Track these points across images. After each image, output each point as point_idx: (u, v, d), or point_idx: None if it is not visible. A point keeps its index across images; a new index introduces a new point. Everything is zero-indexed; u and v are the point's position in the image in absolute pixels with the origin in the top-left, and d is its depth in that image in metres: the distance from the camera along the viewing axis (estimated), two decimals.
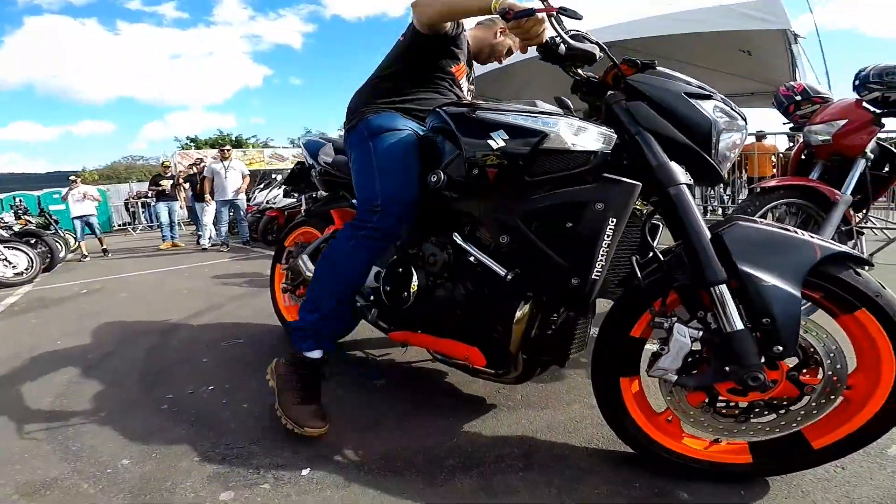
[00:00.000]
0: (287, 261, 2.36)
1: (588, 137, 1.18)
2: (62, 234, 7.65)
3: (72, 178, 7.80)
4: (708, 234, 1.06)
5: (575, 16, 1.20)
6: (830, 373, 1.02)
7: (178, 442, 1.46)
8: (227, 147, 7.33)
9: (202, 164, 7.63)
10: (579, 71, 1.34)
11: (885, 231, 3.39)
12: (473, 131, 1.27)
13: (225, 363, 2.15)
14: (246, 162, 10.92)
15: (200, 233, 7.53)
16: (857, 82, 2.65)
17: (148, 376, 2.04)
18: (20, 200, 9.02)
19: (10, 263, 5.28)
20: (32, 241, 6.17)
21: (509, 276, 1.24)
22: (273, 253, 2.59)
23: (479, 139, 1.25)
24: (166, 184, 7.79)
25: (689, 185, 1.14)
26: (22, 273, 5.31)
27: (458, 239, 1.36)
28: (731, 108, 1.21)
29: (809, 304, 1.08)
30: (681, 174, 1.13)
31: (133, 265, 6.08)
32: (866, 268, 1.04)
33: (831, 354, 1.02)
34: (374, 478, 1.24)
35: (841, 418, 1.06)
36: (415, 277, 1.47)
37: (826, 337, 1.03)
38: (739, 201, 7.51)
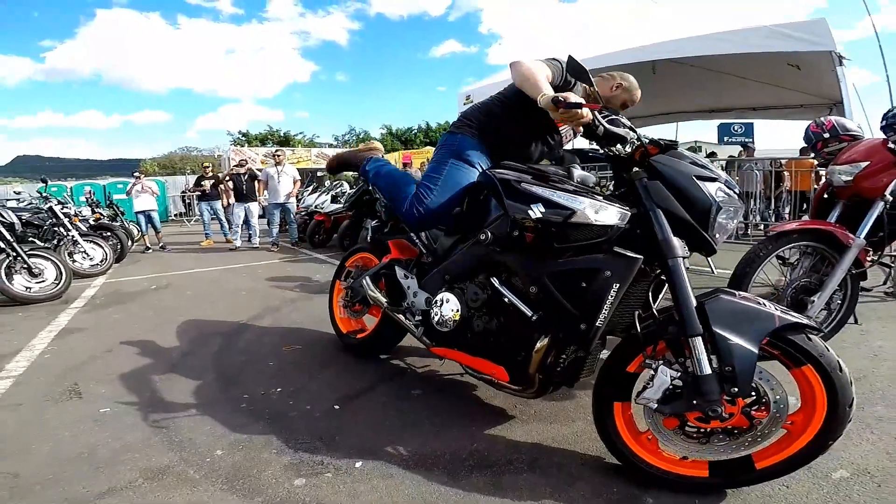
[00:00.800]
0: (346, 279, 2.74)
1: (608, 215, 1.47)
2: (127, 226, 8.47)
3: (136, 174, 8.60)
4: (693, 300, 1.34)
5: (612, 112, 1.52)
6: (775, 411, 1.31)
7: (258, 436, 1.85)
8: (281, 152, 7.93)
9: (246, 166, 8.17)
10: (613, 148, 1.62)
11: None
12: (518, 199, 1.58)
13: (287, 367, 2.55)
14: (294, 160, 11.60)
15: (226, 233, 8.25)
16: (883, 122, 2.77)
17: (223, 376, 2.46)
18: (91, 192, 9.95)
19: (89, 256, 5.97)
20: (106, 234, 6.91)
21: (534, 318, 1.56)
22: (316, 254, 2.98)
23: (523, 206, 1.56)
24: (207, 184, 8.46)
25: (685, 256, 1.42)
26: (98, 265, 5.98)
27: (496, 283, 1.69)
28: (732, 190, 1.48)
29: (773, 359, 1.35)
30: (679, 248, 1.40)
31: (192, 261, 6.72)
32: (817, 333, 1.30)
33: (777, 398, 1.31)
34: (410, 471, 1.58)
35: (780, 446, 1.35)
36: (459, 307, 1.81)
37: (775, 384, 1.31)
38: (784, 213, 7.44)
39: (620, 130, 1.56)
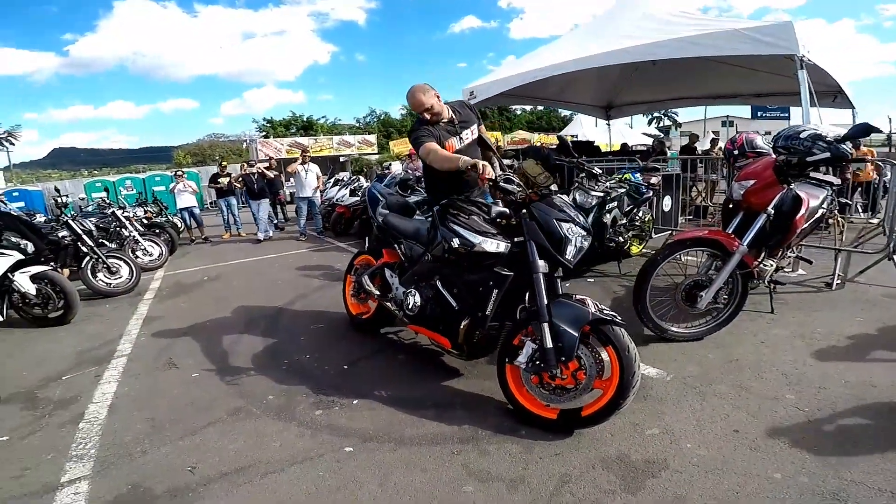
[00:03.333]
0: (355, 274, 3.82)
1: (494, 246, 2.47)
2: (172, 220, 9.89)
3: (178, 173, 9.98)
4: (545, 300, 2.29)
5: (498, 180, 2.44)
6: (589, 375, 2.24)
7: (294, 386, 2.97)
8: (307, 151, 9.15)
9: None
10: (511, 196, 2.53)
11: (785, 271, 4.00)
12: (448, 232, 2.60)
13: (313, 340, 3.70)
14: (317, 149, 12.93)
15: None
16: (774, 143, 3.49)
17: (270, 348, 3.62)
18: (141, 196, 11.49)
19: (148, 252, 7.31)
20: (157, 231, 8.27)
21: (457, 307, 2.60)
22: (338, 243, 4.06)
23: (449, 237, 2.57)
24: (224, 181, 9.78)
25: (544, 273, 2.36)
26: (156, 259, 7.32)
27: (438, 284, 2.73)
28: (580, 226, 2.42)
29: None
30: (541, 266, 2.35)
31: (233, 253, 8.03)
32: (620, 325, 2.20)
33: (591, 366, 2.24)
34: (387, 406, 2.66)
35: (595, 402, 2.25)
36: (420, 299, 2.86)
37: (589, 358, 2.24)
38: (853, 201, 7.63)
39: (510, 187, 2.49)
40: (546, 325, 2.25)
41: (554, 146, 5.49)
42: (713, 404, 2.50)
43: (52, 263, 5.16)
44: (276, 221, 9.66)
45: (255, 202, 8.97)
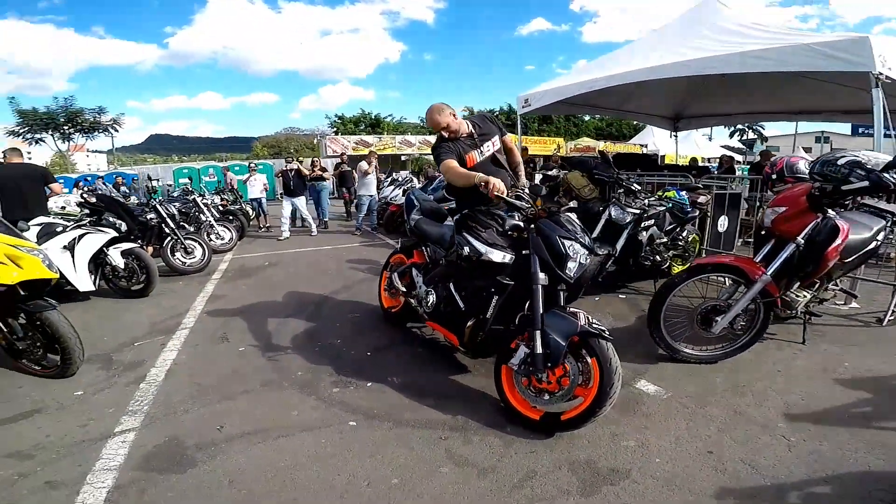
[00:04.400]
0: (389, 271, 4.18)
1: (499, 257, 2.72)
2: (245, 208, 10.86)
3: (252, 165, 10.94)
4: (541, 310, 2.51)
5: (507, 196, 2.68)
6: (573, 383, 2.44)
7: (321, 366, 3.38)
8: (375, 152, 9.82)
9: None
10: (523, 211, 2.76)
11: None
12: (461, 240, 2.89)
13: (347, 328, 4.13)
14: (380, 148, 13.72)
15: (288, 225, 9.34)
16: (811, 169, 3.39)
17: (309, 331, 4.08)
18: (212, 174, 12.74)
19: (221, 237, 8.15)
20: (230, 218, 9.17)
21: (464, 308, 2.88)
22: (388, 239, 4.46)
23: (462, 244, 2.86)
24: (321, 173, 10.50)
25: (544, 285, 2.57)
26: (227, 243, 8.16)
27: (451, 287, 3.03)
28: (582, 244, 2.61)
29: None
30: (541, 278, 2.57)
31: (293, 243, 8.75)
32: (606, 339, 2.39)
33: (575, 374, 2.44)
34: (396, 390, 2.99)
35: (574, 408, 2.44)
36: (434, 298, 3.18)
37: (574, 367, 2.44)
38: None
39: (519, 203, 2.73)
40: (538, 333, 2.48)
41: (594, 160, 5.55)
42: (699, 425, 2.60)
43: (138, 241, 5.98)
44: (325, 219, 10.28)
45: (288, 199, 9.36)
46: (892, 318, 4.13)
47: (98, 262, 5.18)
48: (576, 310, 2.57)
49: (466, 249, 2.83)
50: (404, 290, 3.68)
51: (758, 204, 7.01)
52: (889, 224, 3.48)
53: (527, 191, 2.91)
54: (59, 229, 5.24)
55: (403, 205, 8.57)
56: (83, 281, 4.89)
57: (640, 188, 4.81)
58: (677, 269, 5.27)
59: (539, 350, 2.46)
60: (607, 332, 2.43)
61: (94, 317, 4.67)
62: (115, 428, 2.63)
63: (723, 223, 5.93)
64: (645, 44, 7.56)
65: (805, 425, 2.58)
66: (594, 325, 2.45)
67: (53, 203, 7.13)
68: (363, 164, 9.33)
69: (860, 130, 12.06)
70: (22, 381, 3.19)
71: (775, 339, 3.74)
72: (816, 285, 3.48)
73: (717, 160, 11.11)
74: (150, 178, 10.66)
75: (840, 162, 3.22)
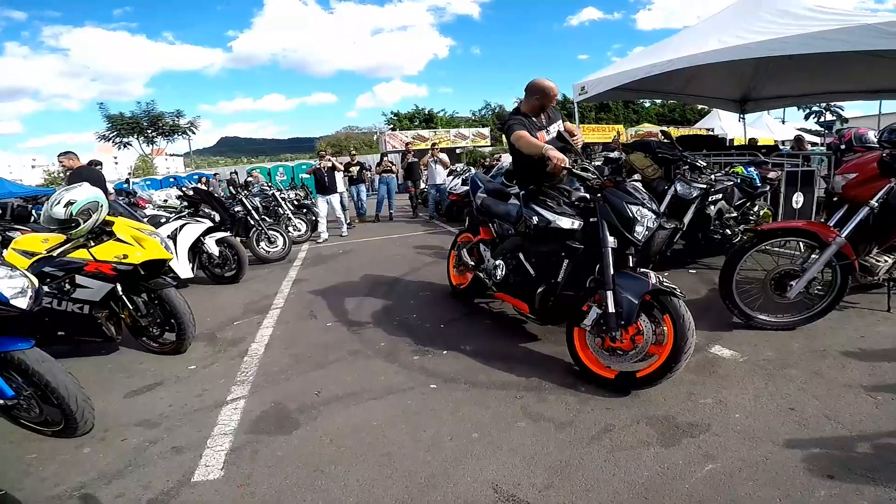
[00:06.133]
0: (457, 250, 4.34)
1: (569, 223, 2.77)
2: (315, 202, 11.31)
3: (323, 155, 11.16)
4: (611, 271, 2.55)
5: (573, 168, 2.74)
6: (646, 340, 2.46)
7: (400, 337, 3.56)
8: (437, 145, 9.91)
9: (326, 158, 9.16)
10: (586, 182, 2.82)
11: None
12: (530, 211, 2.98)
13: (421, 304, 4.31)
14: (436, 141, 13.96)
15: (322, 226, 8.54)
16: (882, 136, 3.24)
17: (386, 307, 4.30)
18: (282, 172, 13.33)
19: (297, 228, 8.61)
20: (305, 211, 9.63)
21: (535, 275, 2.96)
22: (449, 227, 4.60)
23: (530, 215, 2.94)
24: (354, 170, 10.51)
25: (613, 248, 2.61)
26: (303, 234, 8.61)
27: (521, 256, 3.12)
28: (649, 209, 2.62)
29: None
30: (610, 241, 2.61)
31: (362, 233, 9.10)
32: (679, 296, 2.40)
33: (648, 332, 2.45)
34: (469, 357, 3.12)
35: (649, 365, 2.45)
36: (504, 269, 3.28)
37: (648, 325, 2.46)
38: None
39: (585, 174, 2.76)
40: (610, 293, 2.52)
41: (655, 140, 5.41)
42: (778, 384, 2.55)
43: (230, 231, 6.45)
44: (392, 210, 10.32)
45: (323, 197, 8.58)
46: None
47: (196, 250, 5.62)
48: (646, 270, 2.58)
49: (535, 219, 2.90)
50: (473, 264, 3.80)
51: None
52: None
53: (592, 164, 2.93)
54: (163, 220, 5.75)
55: (468, 189, 8.76)
56: (184, 268, 5.32)
57: (705, 164, 4.66)
58: None
59: (612, 309, 2.49)
60: (678, 291, 2.43)
61: (194, 301, 5.01)
62: (227, 397, 2.83)
63: (797, 200, 5.63)
64: (705, 28, 7.23)
65: (892, 386, 2.46)
66: (665, 284, 2.45)
67: (157, 197, 7.82)
68: (426, 158, 9.53)
69: None
70: (143, 358, 3.53)
71: (857, 307, 3.53)
72: None
73: (792, 141, 10.40)
74: (236, 174, 11.26)
75: None
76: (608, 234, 2.62)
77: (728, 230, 4.68)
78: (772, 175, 4.91)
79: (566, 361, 2.89)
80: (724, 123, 17.82)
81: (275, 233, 7.06)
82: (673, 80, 7.45)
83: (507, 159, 9.74)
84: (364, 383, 2.89)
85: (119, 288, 3.30)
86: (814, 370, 2.67)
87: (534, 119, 3.24)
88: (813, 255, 3.18)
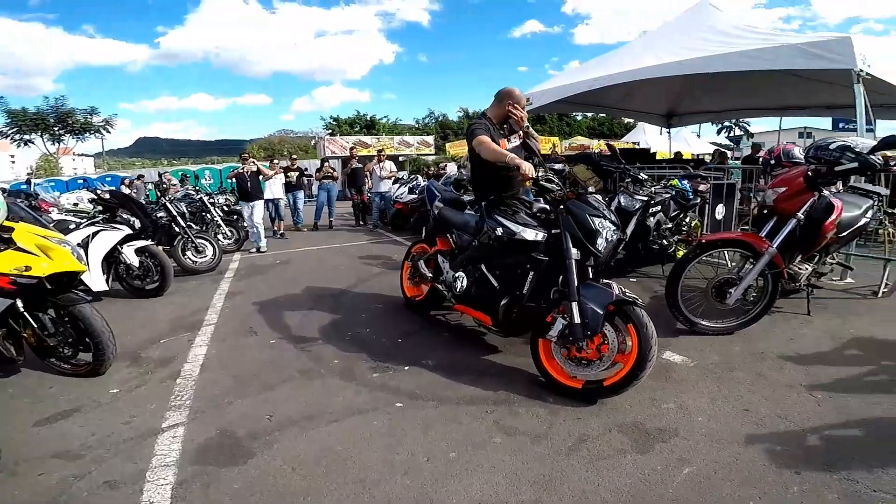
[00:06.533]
0: (411, 260, 4.23)
1: (533, 235, 2.78)
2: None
3: (275, 162, 10.31)
4: (575, 282, 2.58)
5: (539, 179, 2.75)
6: (611, 349, 2.51)
7: (355, 353, 3.39)
8: (384, 152, 9.69)
9: (249, 160, 8.27)
10: (550, 194, 2.84)
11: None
12: (493, 223, 2.94)
13: (373, 317, 4.14)
14: (378, 148, 13.70)
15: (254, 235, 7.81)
16: (808, 153, 3.60)
17: (335, 321, 4.09)
18: (209, 176, 12.50)
19: (228, 236, 8.05)
20: (234, 218, 9.03)
21: (498, 287, 2.93)
22: (395, 237, 4.49)
23: (494, 227, 2.91)
24: (293, 175, 9.97)
25: (576, 260, 2.64)
26: (234, 243, 8.05)
27: (483, 268, 3.07)
28: (610, 221, 2.68)
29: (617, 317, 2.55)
30: (573, 253, 2.64)
31: (299, 242, 8.70)
32: (640, 306, 2.48)
33: (613, 341, 2.52)
34: (432, 371, 3.02)
35: (616, 374, 2.50)
36: (465, 280, 3.21)
37: (612, 335, 2.51)
38: None
39: (550, 186, 2.80)
40: (575, 304, 2.54)
41: (596, 153, 5.67)
42: (729, 387, 2.70)
43: (153, 239, 5.86)
44: (332, 219, 9.94)
45: (248, 204, 7.79)
46: (885, 290, 4.31)
47: (111, 260, 5.05)
48: (609, 281, 2.63)
49: (500, 230, 2.88)
50: (431, 276, 3.72)
51: (751, 194, 7.19)
52: (875, 203, 3.67)
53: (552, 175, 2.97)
54: (71, 226, 5.12)
55: (417, 198, 8.65)
56: (97, 280, 4.74)
57: (646, 178, 4.92)
58: (682, 253, 5.38)
59: (577, 320, 2.52)
60: (640, 300, 2.50)
61: (111, 316, 4.51)
62: (162, 424, 2.55)
63: (720, 211, 6.09)
64: (641, 44, 7.70)
65: (826, 384, 2.69)
66: (627, 294, 2.52)
67: (66, 200, 6.95)
68: (370, 164, 9.32)
69: (840, 126, 12.39)
70: (52, 381, 3.10)
71: (782, 311, 3.86)
72: (815, 259, 3.68)
73: (710, 155, 11.37)
74: (160, 175, 10.38)
75: (832, 146, 3.45)
76: (571, 245, 2.65)
77: (665, 240, 4.96)
78: (702, 188, 5.29)
79: (530, 372, 2.88)
80: (648, 137, 19.19)
81: (203, 241, 6.53)
82: (611, 94, 7.86)
83: (452, 168, 9.78)
84: (321, 405, 2.69)
85: (20, 304, 2.89)
86: (757, 372, 2.86)
87: (498, 128, 3.24)
88: (747, 265, 3.44)
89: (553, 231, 2.79)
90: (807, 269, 3.64)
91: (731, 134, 36.67)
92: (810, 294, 3.83)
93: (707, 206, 5.62)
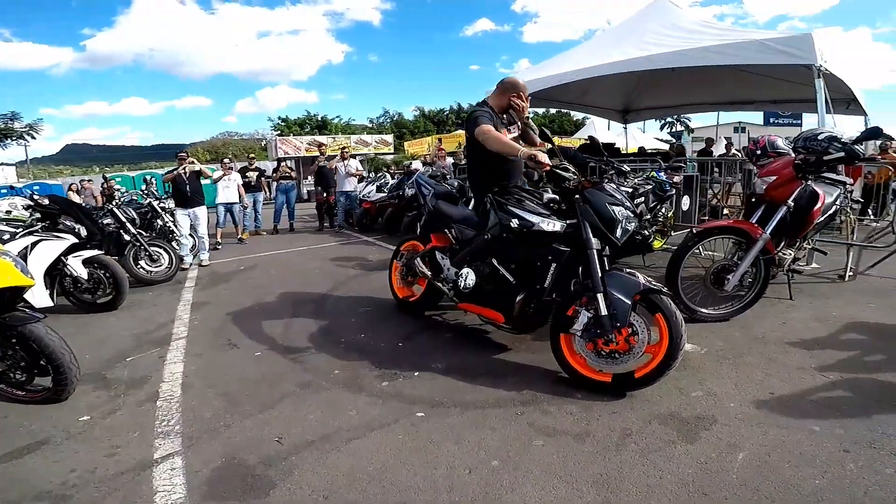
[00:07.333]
0: (400, 260, 4.04)
1: (551, 226, 2.69)
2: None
3: (225, 162, 9.34)
4: (599, 273, 2.52)
5: (555, 168, 2.67)
6: (641, 339, 2.46)
7: (356, 361, 3.19)
8: (349, 149, 9.30)
9: (188, 160, 7.13)
10: (566, 182, 2.75)
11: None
12: (506, 215, 2.82)
13: (365, 322, 3.92)
14: (335, 148, 13.24)
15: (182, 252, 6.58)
16: (794, 144, 3.76)
17: (323, 328, 3.83)
18: (152, 180, 11.52)
19: (182, 243, 7.42)
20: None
21: (514, 282, 2.81)
22: (364, 237, 4.27)
23: (508, 219, 2.79)
24: (252, 175, 9.61)
25: (597, 250, 2.59)
26: (190, 252, 7.43)
27: (495, 262, 2.95)
28: (629, 209, 2.64)
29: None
30: (594, 243, 2.58)
31: (262, 245, 8.24)
32: (668, 294, 2.45)
33: (642, 331, 2.47)
34: (442, 375, 2.87)
35: (646, 364, 2.46)
36: (474, 277, 3.07)
37: (643, 325, 2.47)
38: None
39: (566, 174, 2.72)
40: (601, 295, 2.47)
41: (572, 148, 5.73)
42: (746, 372, 2.74)
43: (102, 248, 5.31)
44: (292, 220, 9.54)
45: (184, 211, 6.65)
46: (850, 274, 4.59)
47: (55, 273, 4.53)
48: (631, 270, 2.59)
49: (515, 222, 2.78)
50: (430, 274, 3.56)
51: (708, 186, 7.48)
52: (842, 192, 3.88)
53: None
54: (5, 237, 4.56)
55: (386, 196, 8.38)
56: (40, 295, 4.22)
57: (629, 170, 4.99)
58: (658, 243, 5.52)
59: (604, 312, 2.45)
60: (665, 289, 2.48)
61: (62, 335, 4.08)
62: (154, 454, 2.25)
63: (685, 202, 6.32)
64: (601, 41, 7.84)
65: (833, 365, 2.79)
66: (653, 283, 2.48)
67: None
68: (334, 162, 8.95)
69: (770, 120, 13.32)
70: (6, 410, 2.72)
71: (765, 297, 3.98)
72: (796, 245, 3.81)
73: (670, 149, 11.90)
74: (106, 179, 9.50)
75: (820, 137, 3.62)
76: (591, 235, 2.59)
77: (645, 231, 5.05)
78: (676, 179, 5.44)
79: (547, 369, 2.80)
80: (598, 133, 19.79)
81: (157, 249, 6.00)
82: (572, 89, 7.95)
83: (418, 166, 9.57)
84: (334, 422, 2.45)
85: None
86: (767, 356, 2.92)
87: (500, 117, 3.15)
88: (739, 252, 3.54)
89: (569, 221, 2.72)
90: (790, 254, 3.79)
91: (673, 129, 38.60)
92: (791, 279, 4.00)
93: (675, 197, 5.82)
